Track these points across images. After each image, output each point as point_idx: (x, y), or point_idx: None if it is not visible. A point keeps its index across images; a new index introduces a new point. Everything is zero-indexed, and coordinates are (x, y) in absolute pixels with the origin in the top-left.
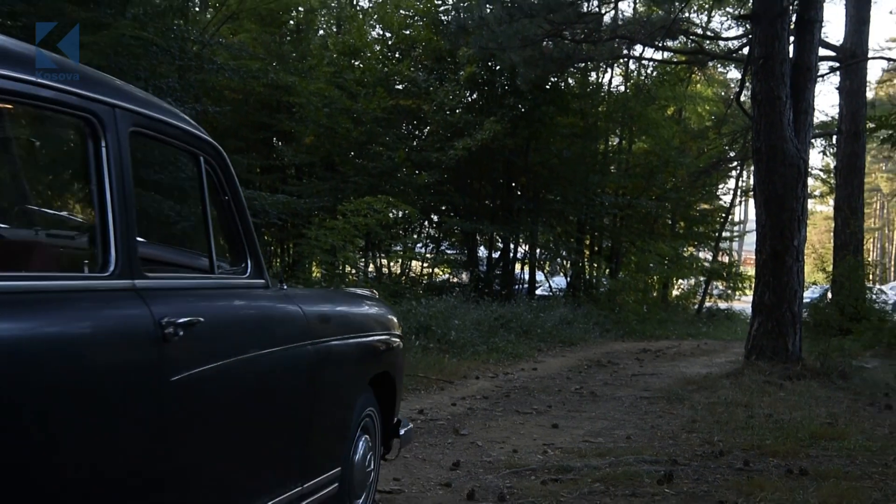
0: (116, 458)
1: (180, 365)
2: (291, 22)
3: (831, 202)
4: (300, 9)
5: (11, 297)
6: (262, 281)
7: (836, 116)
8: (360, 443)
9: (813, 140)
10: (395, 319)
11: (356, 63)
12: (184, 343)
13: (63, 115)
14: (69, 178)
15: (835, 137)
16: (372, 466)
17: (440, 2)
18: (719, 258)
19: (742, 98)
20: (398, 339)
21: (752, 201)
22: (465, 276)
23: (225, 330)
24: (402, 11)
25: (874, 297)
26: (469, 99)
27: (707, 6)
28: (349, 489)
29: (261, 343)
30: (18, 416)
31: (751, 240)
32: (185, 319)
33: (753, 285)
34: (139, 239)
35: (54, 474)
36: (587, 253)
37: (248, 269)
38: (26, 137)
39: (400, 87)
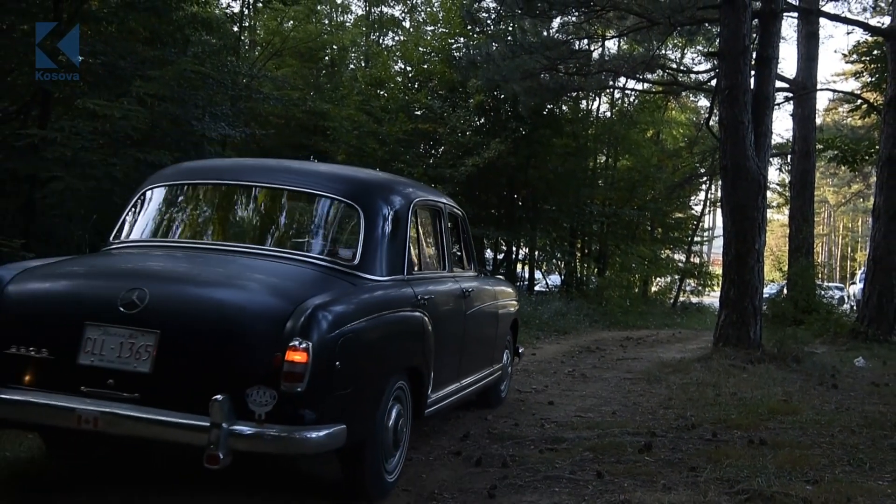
0: (455, 338)
1: (467, 307)
2: (326, 58)
3: (786, 212)
4: (334, 47)
5: (430, 280)
6: (477, 273)
7: (791, 139)
8: (506, 354)
9: (771, 159)
10: (516, 293)
11: (381, 92)
12: (468, 298)
13: (438, 212)
14: (435, 234)
15: (789, 157)
16: (510, 367)
17: (453, 40)
18: (691, 259)
19: (710, 123)
20: (517, 303)
21: (719, 211)
22: None
23: (477, 294)
24: (420, 49)
25: (822, 292)
26: (477, 123)
27: (680, 44)
28: (502, 376)
29: (484, 301)
30: (446, 317)
31: (718, 244)
32: (469, 288)
33: (720, 283)
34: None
35: (450, 341)
36: (578, 255)
37: (473, 268)
38: (432, 221)
39: (418, 112)
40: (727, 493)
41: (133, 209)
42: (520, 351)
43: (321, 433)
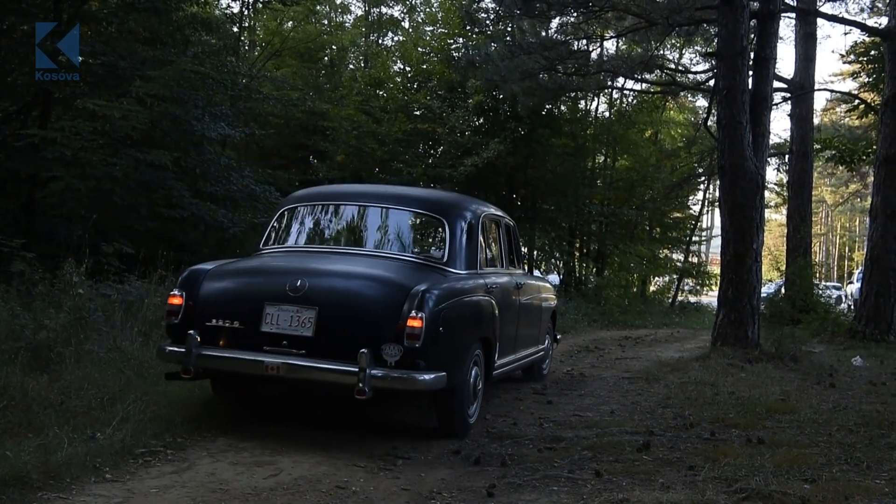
0: (512, 319)
1: (521, 296)
2: (326, 58)
3: (784, 211)
4: (334, 47)
5: (494, 274)
6: (524, 271)
7: (788, 139)
8: (547, 338)
9: (769, 159)
10: (554, 289)
11: (381, 93)
12: (521, 289)
13: (497, 222)
14: (496, 239)
15: (787, 156)
16: (550, 349)
17: (452, 41)
18: (689, 259)
19: (709, 123)
20: (556, 298)
21: (717, 211)
22: None
23: (527, 288)
24: (419, 49)
25: (820, 292)
26: (476, 123)
27: (679, 45)
28: (544, 356)
29: (532, 293)
30: (506, 303)
31: (716, 243)
32: (521, 282)
33: (719, 282)
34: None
35: (508, 321)
36: (577, 254)
37: (521, 267)
38: (494, 229)
39: (418, 113)
40: (725, 492)
41: (276, 223)
42: (557, 338)
43: (431, 376)
